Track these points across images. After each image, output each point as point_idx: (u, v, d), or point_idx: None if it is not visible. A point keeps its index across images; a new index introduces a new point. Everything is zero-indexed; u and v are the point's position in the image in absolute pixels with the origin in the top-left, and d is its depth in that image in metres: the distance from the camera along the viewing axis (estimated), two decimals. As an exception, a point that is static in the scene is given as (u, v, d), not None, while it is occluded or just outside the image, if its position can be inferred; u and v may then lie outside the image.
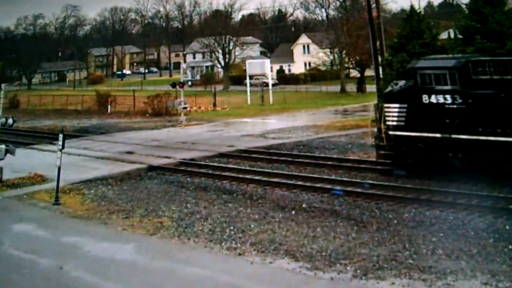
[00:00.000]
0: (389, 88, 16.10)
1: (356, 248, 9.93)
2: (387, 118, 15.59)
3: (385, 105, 15.78)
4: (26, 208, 13.74)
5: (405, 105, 15.17)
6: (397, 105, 15.35)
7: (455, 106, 14.24)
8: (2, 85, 17.46)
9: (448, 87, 14.32)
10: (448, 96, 14.31)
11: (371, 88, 39.56)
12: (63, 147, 14.25)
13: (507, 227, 10.81)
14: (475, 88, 13.98)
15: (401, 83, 15.85)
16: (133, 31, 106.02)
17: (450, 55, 19.02)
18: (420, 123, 14.83)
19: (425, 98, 14.70)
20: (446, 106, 14.35)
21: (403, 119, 15.23)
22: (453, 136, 14.26)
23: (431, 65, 15.23)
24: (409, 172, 15.17)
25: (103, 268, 9.40)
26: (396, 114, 15.40)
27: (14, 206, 13.97)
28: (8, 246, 10.72)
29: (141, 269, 9.29)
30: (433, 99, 14.57)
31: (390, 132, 15.48)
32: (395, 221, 11.54)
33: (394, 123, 15.42)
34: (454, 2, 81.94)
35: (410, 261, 9.15)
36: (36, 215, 13.03)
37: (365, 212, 12.30)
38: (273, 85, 50.56)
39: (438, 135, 14.52)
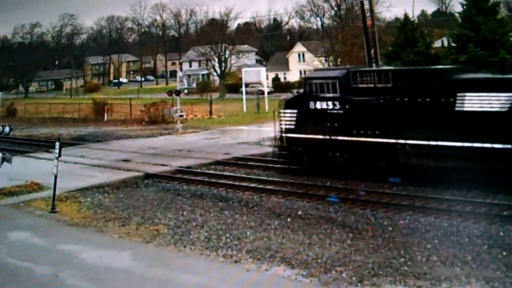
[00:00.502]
0: (288, 97, 18.59)
1: (351, 255, 9.97)
2: (282, 122, 17.84)
3: (281, 111, 18.09)
4: (23, 216, 13.71)
5: (296, 111, 17.47)
6: (289, 111, 17.71)
7: (335, 111, 16.52)
8: (0, 93, 17.43)
9: (330, 95, 16.56)
10: (330, 103, 16.60)
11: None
12: (59, 155, 14.26)
13: (501, 233, 10.90)
14: (353, 95, 16.17)
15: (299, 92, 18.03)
16: (129, 40, 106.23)
17: (334, 67, 22.23)
18: (308, 126, 17.03)
19: (311, 104, 17.01)
20: (328, 111, 16.63)
21: (294, 123, 17.48)
22: (333, 137, 16.45)
23: (317, 76, 17.70)
24: (304, 168, 17.36)
25: (99, 276, 9.40)
26: (288, 118, 17.75)
27: (11, 214, 13.93)
28: (5, 254, 10.69)
29: (137, 277, 9.29)
30: (318, 105, 16.89)
31: (284, 135, 17.70)
32: (390, 228, 11.61)
33: (287, 126, 17.65)
34: (448, 11, 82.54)
35: (405, 268, 9.21)
36: (32, 223, 13.00)
37: (360, 219, 12.37)
38: (268, 93, 50.69)
39: (321, 136, 16.67)
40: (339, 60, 41.68)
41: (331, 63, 43.84)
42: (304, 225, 12.11)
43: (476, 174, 13.69)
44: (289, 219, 12.63)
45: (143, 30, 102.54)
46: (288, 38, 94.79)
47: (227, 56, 70.72)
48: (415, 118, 15.01)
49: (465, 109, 14.18)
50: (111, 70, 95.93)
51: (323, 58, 47.80)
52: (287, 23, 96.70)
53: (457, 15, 34.35)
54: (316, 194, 14.71)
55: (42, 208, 14.25)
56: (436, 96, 14.72)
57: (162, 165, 19.78)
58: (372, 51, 22.86)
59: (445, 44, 33.27)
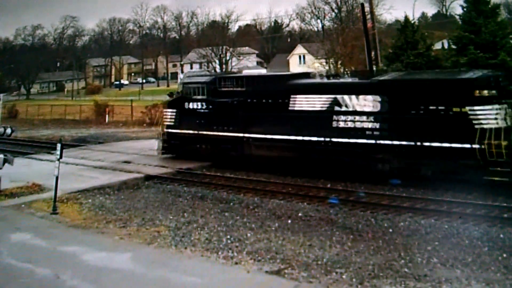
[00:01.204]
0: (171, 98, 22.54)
1: (351, 256, 9.99)
2: (165, 120, 21.61)
3: (164, 110, 22.42)
4: (24, 218, 13.68)
5: (175, 110, 21.33)
6: (170, 110, 21.59)
7: (202, 110, 20.24)
8: (1, 95, 17.66)
9: (200, 97, 20.32)
10: (199, 103, 20.33)
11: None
12: (61, 156, 14.28)
13: (501, 235, 10.92)
14: (216, 97, 19.82)
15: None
16: (131, 42, 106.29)
17: (205, 74, 28.07)
18: (183, 123, 20.82)
19: (186, 105, 20.82)
20: (198, 110, 20.42)
21: (173, 120, 21.27)
22: (200, 132, 20.22)
23: (191, 81, 21.57)
24: (177, 157, 20.99)
25: (100, 277, 9.40)
26: (169, 117, 21.54)
27: (12, 216, 13.91)
28: (6, 255, 10.68)
29: (138, 278, 9.30)
30: (191, 105, 20.60)
31: (166, 130, 21.34)
32: (391, 230, 11.64)
33: (169, 123, 21.46)
34: (448, 13, 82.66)
35: (406, 270, 9.22)
36: (33, 224, 12.99)
37: (360, 221, 12.39)
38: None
39: (192, 131, 20.42)
40: (339, 62, 41.69)
41: (331, 65, 43.87)
42: (304, 227, 12.13)
43: (299, 162, 17.33)
44: (289, 221, 12.66)
45: (144, 32, 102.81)
46: (289, 40, 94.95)
47: (228, 58, 70.82)
48: (260, 116, 18.52)
49: (296, 108, 17.55)
50: (113, 72, 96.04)
51: (324, 60, 47.80)
52: (287, 25, 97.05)
53: (457, 17, 34.37)
54: (316, 196, 14.74)
55: (43, 210, 14.24)
56: (277, 98, 18.11)
57: (163, 166, 19.81)
58: (373, 53, 22.88)
59: (446, 46, 33.29)
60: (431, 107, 14.90)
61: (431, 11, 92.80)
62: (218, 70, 69.37)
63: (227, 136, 19.33)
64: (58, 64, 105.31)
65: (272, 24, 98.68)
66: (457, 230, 11.38)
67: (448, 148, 14.55)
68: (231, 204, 14.63)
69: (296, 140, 17.38)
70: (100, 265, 9.98)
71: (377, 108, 15.95)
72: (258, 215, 13.33)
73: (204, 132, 19.99)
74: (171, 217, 13.29)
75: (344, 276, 9.01)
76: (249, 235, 11.55)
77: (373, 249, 10.36)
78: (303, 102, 17.50)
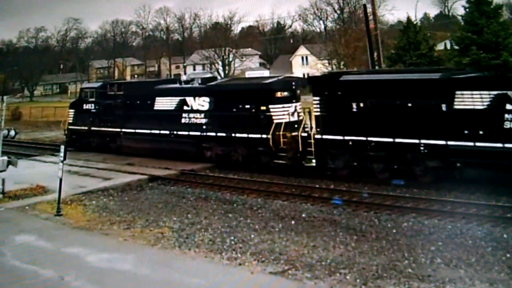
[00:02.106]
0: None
1: (355, 257, 9.99)
2: (68, 118, 26.32)
3: (68, 110, 26.77)
4: (28, 219, 13.75)
5: (74, 110, 26.10)
6: (71, 110, 26.29)
7: (93, 110, 25.01)
8: (4, 97, 17.70)
9: (92, 99, 25.17)
10: (91, 105, 25.14)
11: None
12: (64, 158, 14.35)
13: (505, 235, 10.90)
14: (103, 100, 24.67)
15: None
16: (134, 44, 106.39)
17: (97, 81, 34.46)
18: (79, 121, 25.52)
19: (83, 106, 25.44)
20: (90, 111, 25.10)
21: (73, 118, 26.03)
22: (91, 128, 24.92)
23: (87, 86, 28.19)
24: (76, 149, 24.71)
25: (104, 279, 9.44)
26: (71, 115, 26.02)
27: (16, 217, 13.98)
28: (10, 257, 10.73)
29: (142, 279, 9.33)
30: (85, 106, 25.36)
31: (68, 127, 26.04)
32: (394, 230, 11.63)
33: (70, 121, 25.99)
34: (450, 14, 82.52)
35: (409, 270, 9.22)
36: (38, 226, 13.04)
37: (364, 222, 12.39)
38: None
39: (85, 128, 25.11)
40: (342, 63, 41.72)
41: (334, 66, 43.90)
42: (308, 228, 12.14)
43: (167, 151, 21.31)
44: (293, 222, 12.66)
45: (147, 34, 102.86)
46: (292, 41, 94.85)
47: (230, 59, 70.99)
48: (133, 115, 23.08)
49: (158, 108, 22.18)
50: (116, 74, 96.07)
51: (326, 61, 47.82)
52: (290, 26, 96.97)
53: (459, 18, 34.40)
54: (320, 197, 14.75)
55: (47, 211, 14.30)
56: (146, 100, 22.65)
57: (167, 168, 19.84)
58: (375, 54, 22.88)
59: (448, 46, 33.27)
60: (246, 106, 18.92)
61: (433, 11, 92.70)
62: (221, 71, 69.54)
63: (109, 131, 24.04)
64: (61, 66, 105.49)
65: (275, 25, 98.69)
66: (460, 230, 11.37)
67: (251, 138, 18.60)
68: (235, 205, 14.65)
69: (154, 133, 21.78)
70: (104, 267, 10.02)
71: (208, 107, 20.31)
72: (261, 216, 13.35)
73: (94, 128, 24.86)
74: (174, 219, 13.31)
75: (348, 277, 9.01)
76: (252, 236, 11.56)
77: (377, 250, 10.36)
78: (163, 103, 21.92)
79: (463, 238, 10.89)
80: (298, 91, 19.34)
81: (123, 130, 23.37)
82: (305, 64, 69.97)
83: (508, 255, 9.77)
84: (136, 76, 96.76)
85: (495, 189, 13.75)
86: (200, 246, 10.96)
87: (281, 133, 17.57)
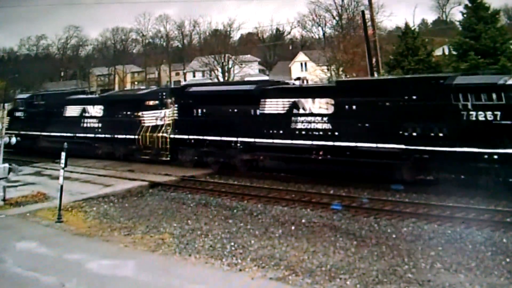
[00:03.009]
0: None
1: (355, 262, 10.00)
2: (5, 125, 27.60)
3: (6, 117, 26.32)
4: (29, 226, 13.76)
5: (9, 117, 27.98)
6: (8, 117, 26.86)
7: (22, 117, 29.47)
8: (5, 105, 17.68)
9: (22, 108, 30.15)
10: (20, 113, 29.91)
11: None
12: (65, 165, 14.39)
13: (505, 240, 10.93)
14: (31, 109, 29.50)
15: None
16: (134, 51, 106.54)
17: (25, 93, 38.98)
18: (14, 126, 28.04)
19: (17, 113, 30.27)
20: (20, 118, 29.54)
21: (10, 123, 27.22)
22: (20, 132, 27.70)
23: (19, 97, 33.06)
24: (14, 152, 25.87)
25: (105, 285, 9.44)
26: (8, 122, 26.90)
27: (17, 224, 14.00)
28: (11, 263, 10.73)
29: (142, 286, 9.33)
30: (16, 114, 30.06)
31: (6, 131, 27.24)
32: (394, 236, 11.66)
33: (7, 126, 25.44)
34: (448, 19, 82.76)
35: (409, 275, 9.23)
36: (38, 233, 13.05)
37: (364, 227, 12.42)
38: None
39: (17, 132, 26.79)
40: (341, 69, 41.83)
41: (333, 72, 44.02)
42: (308, 233, 12.16)
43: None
44: (293, 227, 12.69)
45: (147, 41, 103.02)
46: (291, 47, 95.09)
47: (230, 66, 71.11)
48: (49, 121, 27.33)
49: (67, 115, 26.99)
50: (116, 81, 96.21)
51: (325, 67, 47.96)
52: (289, 33, 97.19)
53: (457, 23, 34.56)
54: (319, 202, 14.79)
55: (48, 218, 14.32)
56: (59, 108, 27.20)
57: (167, 174, 19.88)
58: (374, 59, 22.98)
59: (446, 52, 33.42)
60: (125, 113, 23.88)
61: (431, 17, 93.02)
62: (220, 77, 69.67)
63: (33, 135, 28.43)
64: (62, 74, 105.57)
65: (274, 32, 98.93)
66: (460, 235, 11.40)
67: (127, 139, 23.09)
68: (235, 211, 14.68)
69: (63, 136, 24.94)
70: (105, 273, 10.02)
71: (101, 114, 25.18)
72: (261, 222, 13.38)
73: (22, 132, 28.42)
74: (175, 225, 13.34)
75: (348, 282, 9.02)
76: (252, 242, 11.58)
77: (377, 255, 10.38)
78: (71, 111, 26.75)
79: (463, 243, 10.92)
80: (168, 100, 23.28)
81: (42, 133, 28.04)
82: (304, 70, 70.12)
83: (508, 260, 9.79)
84: (136, 83, 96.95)
85: (494, 194, 13.79)
86: (201, 252, 10.98)
87: (147, 134, 22.22)
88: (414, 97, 15.27)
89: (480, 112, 13.95)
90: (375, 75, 22.19)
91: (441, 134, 14.69)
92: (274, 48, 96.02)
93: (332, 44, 50.62)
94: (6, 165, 16.27)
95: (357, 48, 35.95)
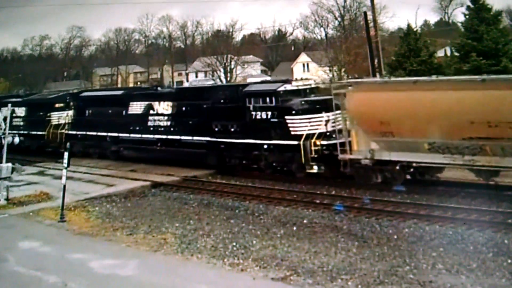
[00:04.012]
0: None
1: (357, 263, 10.03)
2: None
3: None
4: (32, 226, 13.86)
5: None
6: None
7: None
8: (9, 104, 17.76)
9: None
10: None
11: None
12: (68, 165, 14.46)
13: (506, 241, 10.93)
14: None
15: None
16: (136, 51, 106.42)
17: None
18: None
19: None
20: None
21: None
22: None
23: None
24: None
25: (107, 284, 9.52)
26: None
27: (20, 224, 14.10)
28: (14, 263, 10.81)
29: (144, 285, 9.39)
30: None
31: None
32: (395, 236, 11.67)
33: None
34: (450, 21, 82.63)
35: (411, 276, 9.24)
36: (41, 232, 13.15)
37: (365, 228, 12.43)
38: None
39: None
40: (343, 69, 41.86)
41: (335, 73, 44.04)
42: (309, 234, 12.19)
43: None
44: (294, 228, 12.72)
45: (150, 41, 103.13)
46: (293, 48, 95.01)
47: (232, 66, 71.13)
48: None
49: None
50: (119, 81, 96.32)
51: (327, 68, 47.98)
52: (291, 33, 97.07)
53: (459, 24, 34.53)
54: (321, 203, 14.81)
55: (51, 218, 14.41)
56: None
57: (169, 174, 19.93)
58: (376, 60, 23.00)
59: (448, 53, 33.42)
60: (40, 113, 27.71)
61: (433, 18, 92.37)
62: (223, 78, 69.73)
63: None
64: (65, 74, 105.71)
65: (276, 32, 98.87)
66: (461, 236, 11.39)
67: (39, 135, 27.34)
68: (237, 211, 14.71)
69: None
70: (107, 273, 10.08)
71: (23, 114, 29.28)
72: (263, 222, 13.40)
73: None
74: (177, 225, 13.37)
75: (349, 283, 9.05)
76: (254, 242, 11.61)
77: (378, 256, 10.40)
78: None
79: (464, 244, 10.92)
80: (72, 103, 27.37)
81: None
82: (306, 71, 70.11)
83: (509, 261, 9.79)
84: (138, 83, 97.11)
85: (496, 195, 13.80)
86: (203, 252, 11.01)
87: (51, 131, 26.67)
88: (221, 101, 19.55)
89: (260, 112, 17.86)
90: (377, 76, 22.23)
91: (234, 129, 18.85)
92: (276, 49, 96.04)
93: (334, 45, 50.61)
94: (9, 164, 16.33)
95: (359, 49, 35.98)
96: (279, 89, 17.95)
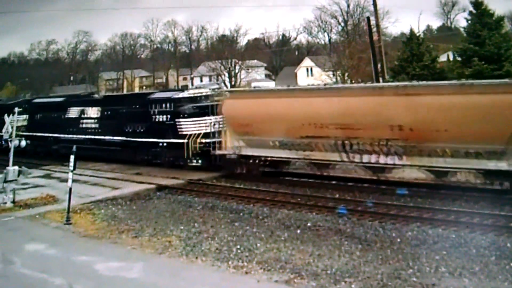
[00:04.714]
0: None
1: (360, 266, 10.06)
2: None
3: None
4: (38, 228, 13.94)
5: None
6: None
7: None
8: (15, 108, 17.93)
9: None
10: None
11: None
12: (74, 168, 14.56)
13: (509, 244, 10.95)
14: None
15: None
16: (142, 56, 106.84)
17: None
18: None
19: None
20: None
21: None
22: None
23: None
24: None
25: (113, 287, 9.57)
26: None
27: (26, 226, 14.16)
28: (20, 265, 10.87)
29: (149, 287, 9.45)
30: None
31: None
32: (399, 240, 11.70)
33: None
34: (453, 26, 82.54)
35: (414, 279, 9.26)
36: (47, 234, 13.21)
37: (369, 231, 12.47)
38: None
39: None
40: (346, 74, 41.94)
41: (338, 78, 44.13)
42: (313, 237, 12.24)
43: None
44: (298, 231, 12.77)
45: (155, 46, 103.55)
46: (297, 53, 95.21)
47: (237, 71, 71.38)
48: None
49: None
50: (125, 85, 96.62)
51: (331, 73, 48.07)
52: (295, 38, 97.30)
53: (462, 29, 34.58)
54: (325, 206, 14.88)
55: (57, 220, 14.49)
56: None
57: (174, 177, 20.02)
58: (379, 65, 23.07)
59: (451, 58, 33.44)
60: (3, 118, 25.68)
61: (436, 24, 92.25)
62: (227, 82, 69.96)
63: None
64: (72, 78, 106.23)
65: (280, 37, 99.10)
66: (464, 239, 11.42)
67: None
68: (241, 214, 14.78)
69: None
70: (112, 275, 10.15)
71: None
72: (267, 225, 13.46)
73: None
74: (182, 227, 13.44)
75: (353, 286, 9.09)
76: (258, 245, 11.66)
77: (382, 259, 10.43)
78: None
79: (467, 247, 10.95)
80: (28, 108, 30.03)
81: None
82: (310, 76, 70.18)
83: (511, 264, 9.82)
84: (144, 87, 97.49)
85: (498, 198, 13.83)
86: (207, 255, 11.07)
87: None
88: (133, 107, 23.42)
89: (160, 116, 21.66)
90: (380, 80, 22.31)
91: (140, 130, 22.50)
92: (280, 53, 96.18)
93: (338, 49, 50.74)
94: (16, 167, 16.47)
95: (362, 54, 36.06)
96: (174, 96, 21.97)
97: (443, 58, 36.62)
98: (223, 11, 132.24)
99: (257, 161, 18.88)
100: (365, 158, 15.83)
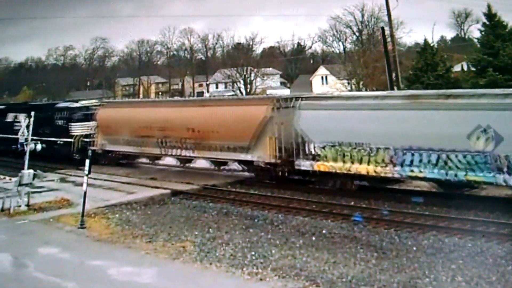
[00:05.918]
0: None
1: (376, 274, 9.96)
2: None
3: None
4: (52, 232, 13.95)
5: None
6: None
7: None
8: (32, 112, 18.13)
9: None
10: None
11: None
12: (89, 172, 14.63)
13: (526, 254, 10.75)
14: None
15: None
16: (158, 62, 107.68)
17: None
18: None
19: None
20: None
21: None
22: None
23: None
24: None
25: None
26: None
27: (40, 230, 14.19)
28: (33, 268, 10.90)
29: (163, 292, 9.44)
30: None
31: None
32: (414, 248, 11.57)
33: None
34: (467, 36, 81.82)
35: (430, 288, 9.14)
36: (61, 238, 13.22)
37: (384, 239, 12.34)
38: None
39: None
40: (361, 83, 41.81)
41: (353, 86, 44.02)
42: (328, 244, 12.14)
43: None
44: (313, 238, 12.68)
45: (171, 53, 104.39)
46: (312, 61, 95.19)
47: (252, 78, 71.63)
48: None
49: None
50: (141, 91, 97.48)
51: (346, 81, 47.97)
52: (310, 47, 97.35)
53: (475, 40, 34.32)
54: (340, 213, 14.76)
55: (71, 224, 14.51)
56: None
57: (189, 183, 20.04)
58: (394, 74, 22.92)
59: (465, 68, 33.16)
60: None
61: (449, 34, 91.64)
62: (243, 89, 70.19)
63: None
64: (88, 83, 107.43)
65: (295, 46, 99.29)
66: (481, 248, 11.25)
67: None
68: (256, 220, 14.72)
69: None
70: (126, 280, 10.12)
71: None
72: (282, 232, 13.38)
73: None
74: (196, 233, 13.40)
75: (368, 294, 9.00)
76: (273, 251, 11.59)
77: (397, 267, 10.31)
78: None
79: (484, 256, 10.79)
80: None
81: None
82: (324, 84, 70.05)
83: (529, 274, 9.63)
84: (160, 93, 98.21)
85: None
86: (221, 261, 11.02)
87: None
88: (46, 114, 27.26)
89: (60, 121, 27.93)
90: (395, 89, 22.18)
91: (48, 132, 26.99)
92: (296, 61, 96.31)
93: (353, 58, 50.64)
94: (31, 171, 16.62)
95: (377, 63, 35.97)
96: (69, 106, 29.24)
97: (457, 68, 36.37)
98: (240, 19, 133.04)
99: (114, 155, 25.31)
100: (174, 152, 21.93)
